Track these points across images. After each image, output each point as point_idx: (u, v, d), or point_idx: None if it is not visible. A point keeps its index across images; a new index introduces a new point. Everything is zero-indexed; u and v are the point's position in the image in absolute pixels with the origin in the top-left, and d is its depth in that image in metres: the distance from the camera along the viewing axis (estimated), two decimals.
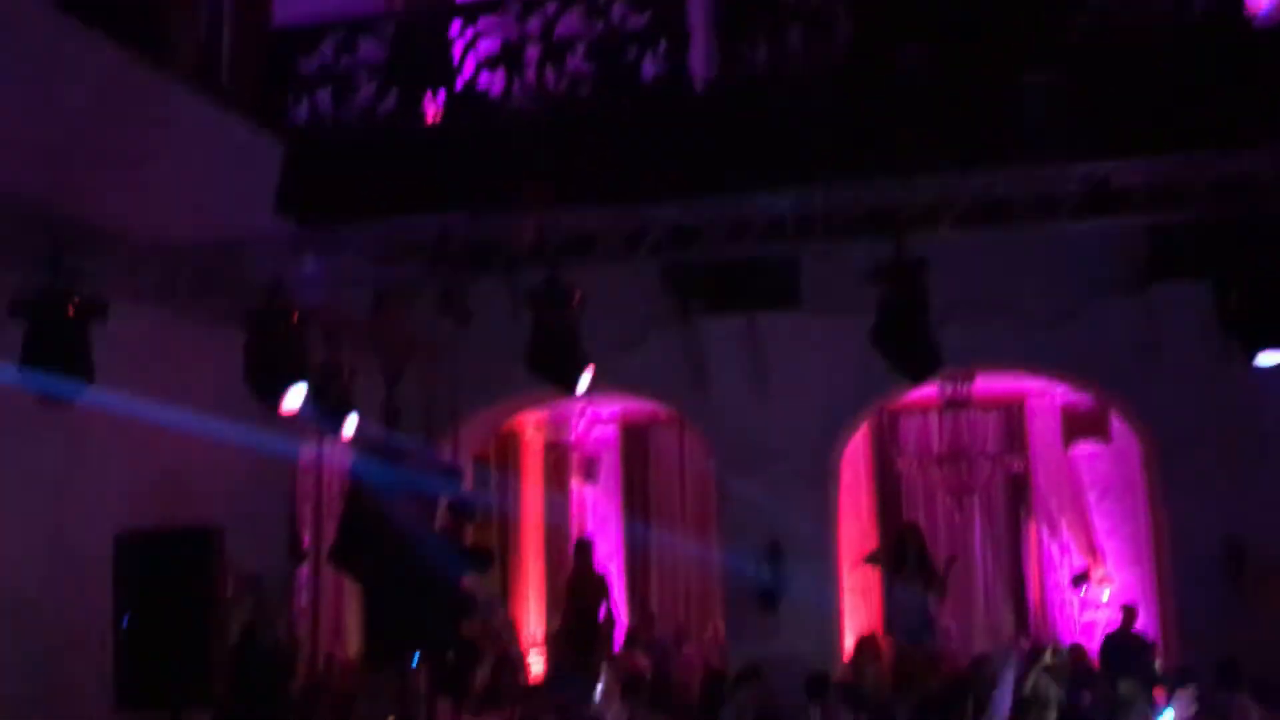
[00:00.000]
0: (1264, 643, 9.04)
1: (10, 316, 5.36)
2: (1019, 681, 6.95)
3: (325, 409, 8.40)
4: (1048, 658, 8.23)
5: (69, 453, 6.30)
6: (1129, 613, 11.61)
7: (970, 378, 13.29)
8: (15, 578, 6.13)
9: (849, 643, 12.03)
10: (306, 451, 9.74)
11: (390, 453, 9.29)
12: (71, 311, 5.24)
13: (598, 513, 16.23)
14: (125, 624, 4.91)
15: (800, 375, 10.57)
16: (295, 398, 7.07)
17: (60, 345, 5.37)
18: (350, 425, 8.59)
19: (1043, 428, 14.48)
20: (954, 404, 12.04)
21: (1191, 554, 10.11)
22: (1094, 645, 11.94)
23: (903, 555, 10.69)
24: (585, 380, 7.05)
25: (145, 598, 4.91)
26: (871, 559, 10.75)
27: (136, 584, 4.93)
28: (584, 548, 12.57)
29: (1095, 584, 13.98)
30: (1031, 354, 10.43)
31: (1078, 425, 14.33)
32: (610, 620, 13.79)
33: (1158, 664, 10.54)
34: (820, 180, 7.24)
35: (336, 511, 9.62)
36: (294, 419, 8.60)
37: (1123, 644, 11.00)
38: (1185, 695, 7.39)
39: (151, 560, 4.95)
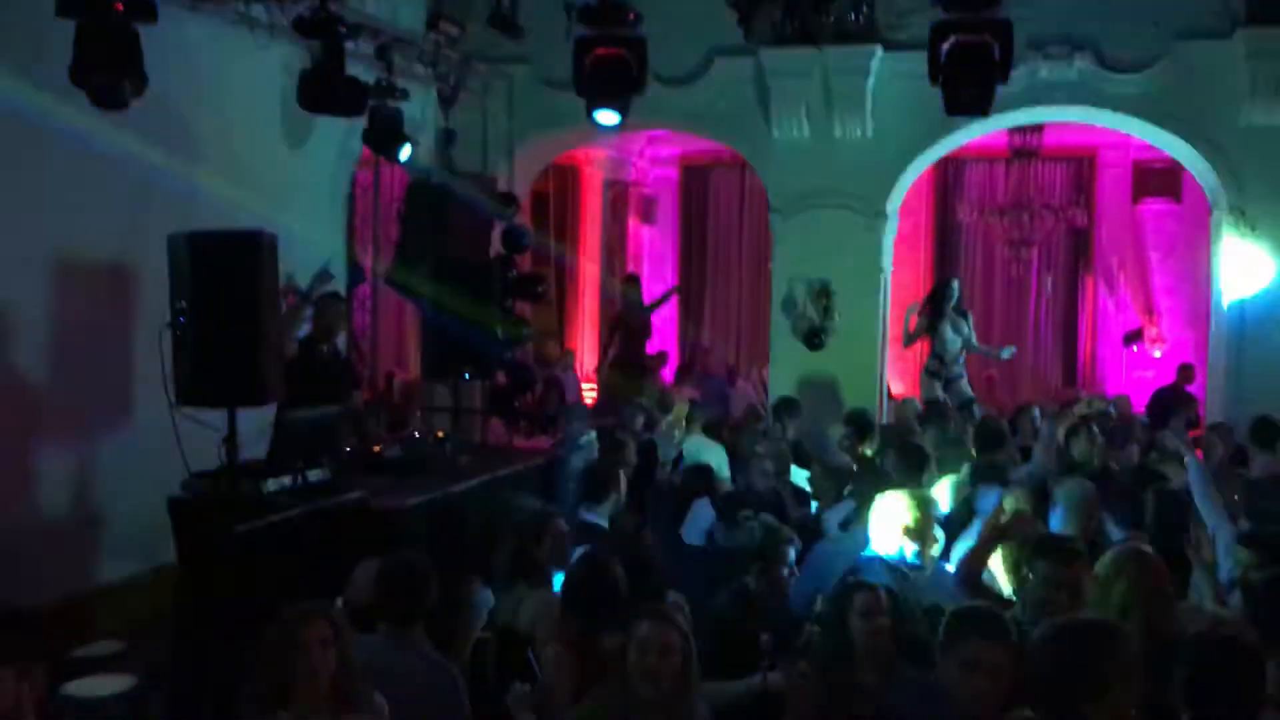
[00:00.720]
0: None
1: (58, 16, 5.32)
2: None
3: (380, 131, 8.39)
4: (1083, 407, 8.26)
5: (129, 153, 6.39)
6: (1185, 370, 11.62)
7: (1040, 128, 12.90)
8: (89, 267, 6.39)
9: (894, 388, 12.24)
10: (363, 175, 9.79)
11: (445, 177, 9.33)
12: (120, 6, 5.17)
13: (654, 253, 16.35)
14: (180, 322, 5.07)
15: (864, 114, 10.29)
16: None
17: (110, 49, 5.36)
18: (406, 150, 8.58)
19: (1112, 182, 14.14)
20: (1022, 154, 11.73)
21: (1248, 316, 9.98)
22: (1140, 403, 12.03)
23: (944, 302, 10.68)
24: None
25: (199, 299, 5.05)
26: (914, 309, 10.74)
27: (190, 284, 5.07)
28: (633, 280, 12.70)
29: (1148, 343, 13.98)
30: (1108, 99, 9.99)
31: (1148, 182, 13.97)
32: (662, 354, 14.12)
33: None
34: None
35: (393, 235, 9.77)
36: (350, 140, 8.66)
37: (1172, 399, 11.07)
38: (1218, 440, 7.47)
39: (204, 262, 5.07)
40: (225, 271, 5.09)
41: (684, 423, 8.62)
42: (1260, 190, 9.86)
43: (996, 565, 4.66)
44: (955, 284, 10.98)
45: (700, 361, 14.21)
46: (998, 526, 4.59)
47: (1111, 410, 10.25)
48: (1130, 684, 2.91)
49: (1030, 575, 3.95)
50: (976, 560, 4.51)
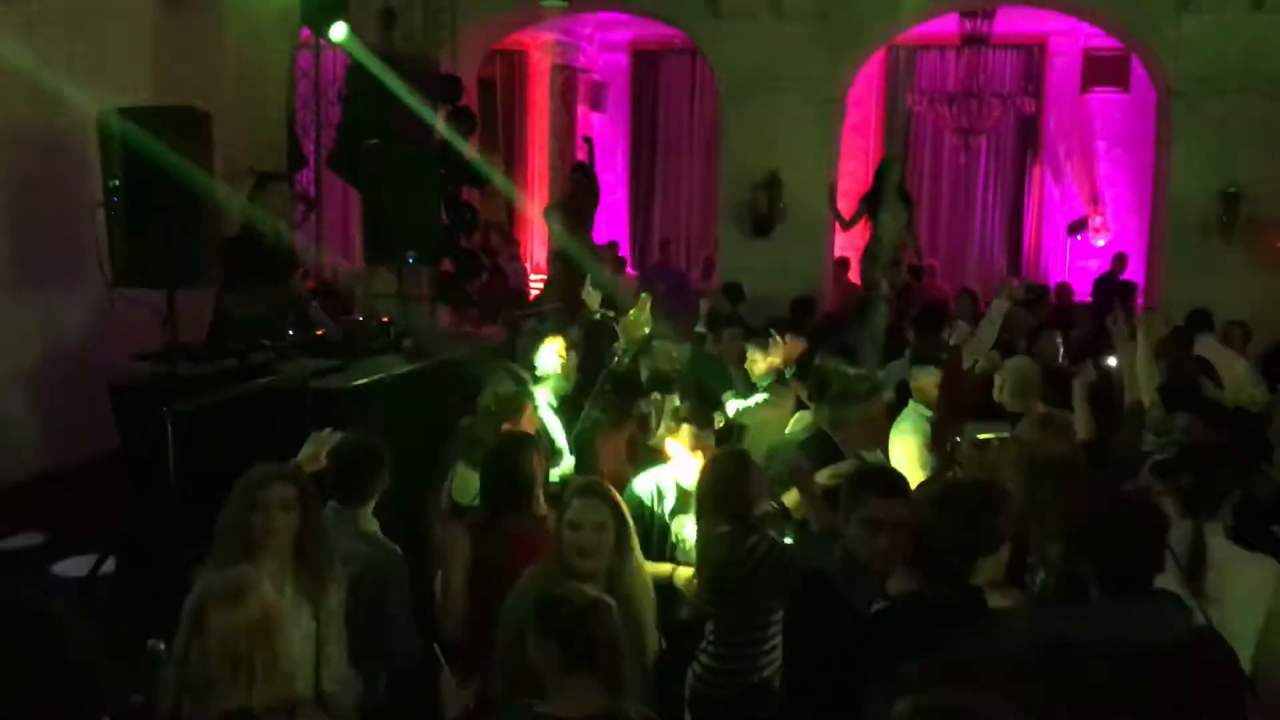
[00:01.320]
0: (1244, 293, 9.25)
1: None
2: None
3: (317, 8, 8.17)
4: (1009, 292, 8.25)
5: (62, 33, 6.17)
6: (1119, 258, 11.85)
7: (992, 14, 12.81)
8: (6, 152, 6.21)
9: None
10: (304, 57, 9.55)
11: (386, 59, 9.11)
12: None
13: (604, 142, 16.15)
14: (114, 201, 4.97)
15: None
16: None
17: None
18: (339, 29, 8.36)
19: (1061, 71, 14.12)
20: (973, 40, 11.64)
21: (1189, 204, 10.12)
22: (1083, 290, 12.20)
23: (885, 182, 10.70)
24: None
25: (132, 177, 4.95)
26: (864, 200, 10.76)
27: (122, 162, 4.96)
28: (582, 169, 12.54)
29: (1092, 232, 14.12)
30: None
31: (1098, 71, 13.96)
32: (612, 244, 14.04)
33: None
34: None
35: (334, 118, 9.57)
36: (287, 18, 8.42)
37: (1111, 286, 11.28)
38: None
39: (137, 140, 4.95)
40: (159, 149, 4.97)
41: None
42: (1203, 78, 9.92)
43: None
44: (896, 165, 10.99)
45: (661, 255, 14.13)
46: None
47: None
48: (1007, 542, 3.08)
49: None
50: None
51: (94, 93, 5.58)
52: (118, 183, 4.92)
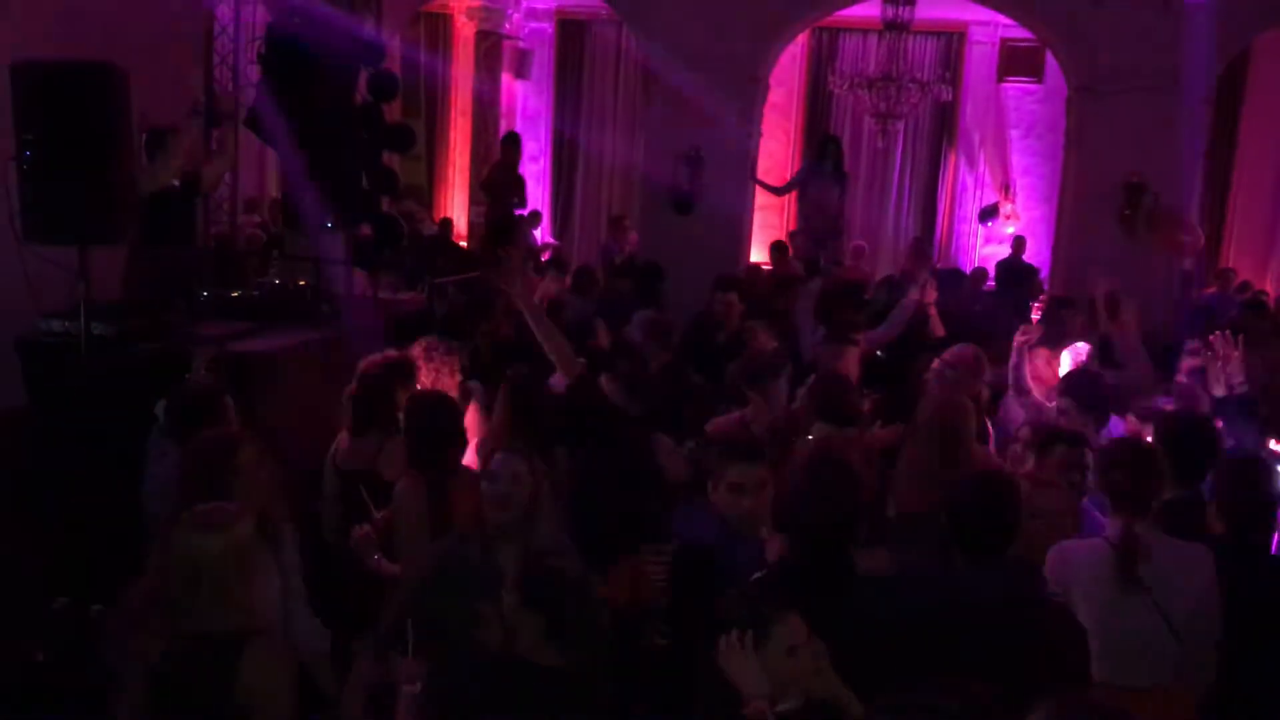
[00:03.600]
0: (1140, 282, 9.58)
1: None
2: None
3: None
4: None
5: None
6: (1019, 241, 12.46)
7: (913, 0, 13.01)
8: None
9: (756, 255, 12.47)
10: (223, 12, 9.38)
11: (308, 19, 8.98)
12: None
13: (527, 110, 16.10)
14: (27, 156, 4.88)
15: None
16: None
17: None
18: None
19: (979, 60, 14.46)
20: (894, 26, 11.78)
21: (1093, 194, 10.45)
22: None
23: (823, 158, 10.92)
24: None
25: (47, 132, 4.87)
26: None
27: (37, 116, 4.87)
28: (513, 140, 12.53)
29: (1002, 219, 14.50)
30: None
31: (1014, 62, 14.33)
32: (535, 214, 14.07)
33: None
34: None
35: (254, 76, 9.42)
36: None
37: (1013, 269, 11.71)
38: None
39: (52, 93, 4.87)
40: (74, 104, 4.89)
41: None
42: (1111, 74, 10.24)
43: None
44: (830, 143, 11.22)
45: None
46: None
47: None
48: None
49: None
50: None
51: (5, 45, 5.47)
52: (30, 137, 4.84)
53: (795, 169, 13.29)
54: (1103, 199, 10.38)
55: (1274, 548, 4.04)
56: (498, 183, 12.05)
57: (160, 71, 7.37)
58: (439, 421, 4.25)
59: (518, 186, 12.34)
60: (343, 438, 4.79)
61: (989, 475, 3.62)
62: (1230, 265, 13.09)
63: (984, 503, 3.22)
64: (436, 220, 13.56)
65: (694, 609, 3.23)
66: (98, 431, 4.98)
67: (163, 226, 6.19)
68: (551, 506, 3.87)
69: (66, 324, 5.14)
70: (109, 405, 5.00)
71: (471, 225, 14.45)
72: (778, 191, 11.13)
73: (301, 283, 7.14)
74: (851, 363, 5.75)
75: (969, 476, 3.55)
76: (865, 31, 14.16)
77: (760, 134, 11.11)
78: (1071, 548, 3.64)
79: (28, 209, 4.99)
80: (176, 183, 6.31)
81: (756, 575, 3.17)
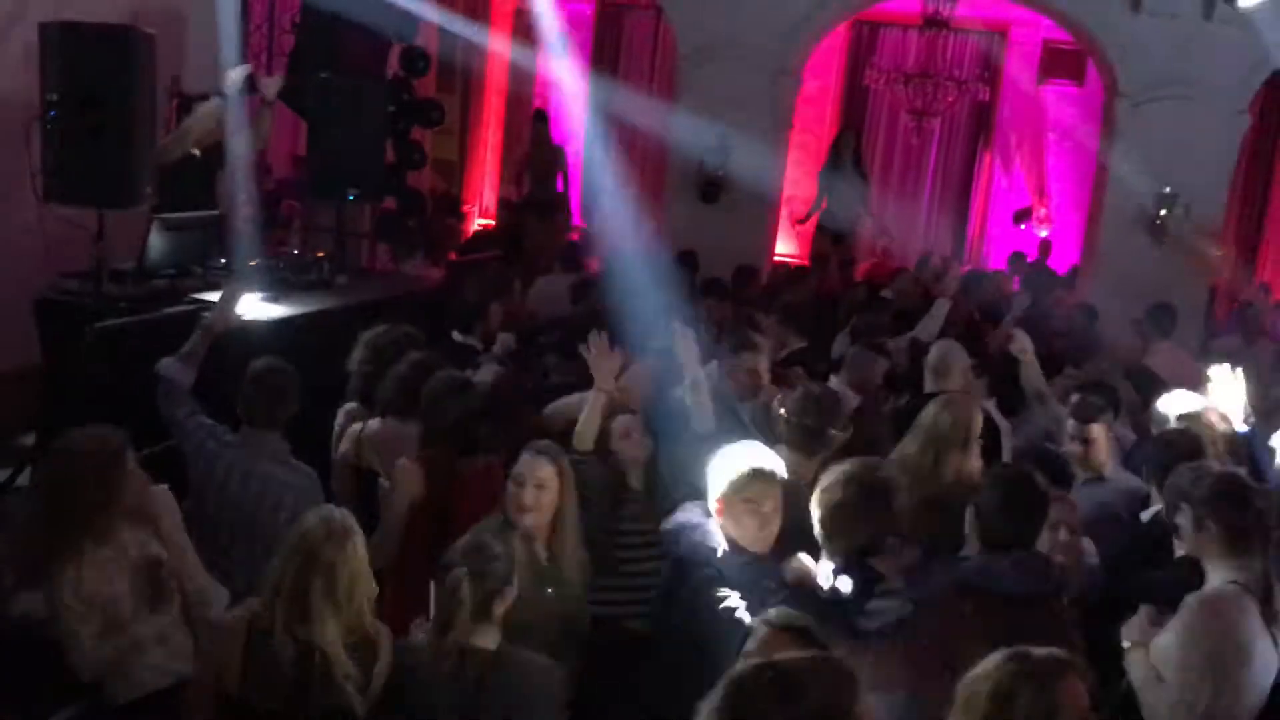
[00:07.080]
0: (1168, 293, 9.48)
1: None
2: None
3: None
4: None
5: None
6: (1045, 245, 12.43)
7: None
8: None
9: (780, 246, 12.44)
10: None
11: None
12: None
13: (562, 91, 16.05)
14: (51, 116, 4.94)
15: None
16: None
17: None
18: None
19: (1019, 61, 14.28)
20: (935, 23, 11.67)
21: (1126, 203, 10.33)
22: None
23: (841, 155, 10.87)
24: None
25: (70, 93, 4.92)
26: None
27: (62, 77, 4.92)
28: (543, 117, 12.55)
29: (1036, 222, 14.36)
30: None
31: (1055, 64, 14.13)
32: (568, 191, 14.06)
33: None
34: None
35: (287, 46, 9.48)
36: None
37: (1037, 272, 11.67)
38: None
39: (78, 54, 4.91)
40: (98, 66, 4.94)
41: None
42: (1148, 82, 10.12)
43: None
44: (849, 136, 11.16)
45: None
46: None
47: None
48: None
49: None
50: None
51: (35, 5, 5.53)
52: (55, 97, 4.89)
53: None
54: (1135, 207, 10.26)
55: None
56: (543, 161, 12.09)
57: (196, 39, 7.42)
58: (457, 406, 4.21)
59: (562, 164, 12.43)
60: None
61: (1011, 474, 3.62)
62: (1266, 279, 12.93)
63: (1005, 499, 3.34)
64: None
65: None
66: (110, 391, 5.03)
67: (181, 188, 6.23)
68: (575, 514, 3.77)
69: (82, 285, 5.19)
70: (119, 365, 5.05)
71: (501, 201, 14.46)
72: (802, 221, 11.16)
73: (321, 254, 7.18)
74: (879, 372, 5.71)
75: (992, 475, 3.61)
76: (906, 27, 14.03)
77: (790, 125, 11.05)
78: None
79: (49, 169, 5.06)
80: (197, 152, 6.34)
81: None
